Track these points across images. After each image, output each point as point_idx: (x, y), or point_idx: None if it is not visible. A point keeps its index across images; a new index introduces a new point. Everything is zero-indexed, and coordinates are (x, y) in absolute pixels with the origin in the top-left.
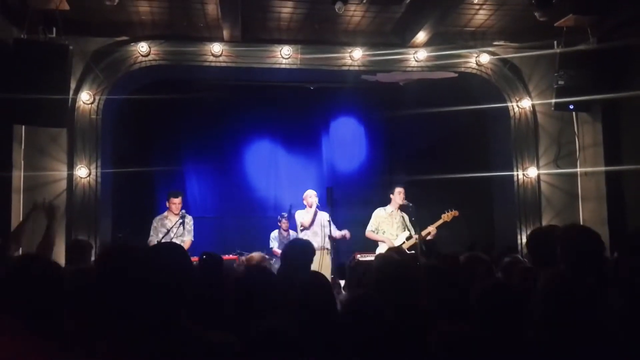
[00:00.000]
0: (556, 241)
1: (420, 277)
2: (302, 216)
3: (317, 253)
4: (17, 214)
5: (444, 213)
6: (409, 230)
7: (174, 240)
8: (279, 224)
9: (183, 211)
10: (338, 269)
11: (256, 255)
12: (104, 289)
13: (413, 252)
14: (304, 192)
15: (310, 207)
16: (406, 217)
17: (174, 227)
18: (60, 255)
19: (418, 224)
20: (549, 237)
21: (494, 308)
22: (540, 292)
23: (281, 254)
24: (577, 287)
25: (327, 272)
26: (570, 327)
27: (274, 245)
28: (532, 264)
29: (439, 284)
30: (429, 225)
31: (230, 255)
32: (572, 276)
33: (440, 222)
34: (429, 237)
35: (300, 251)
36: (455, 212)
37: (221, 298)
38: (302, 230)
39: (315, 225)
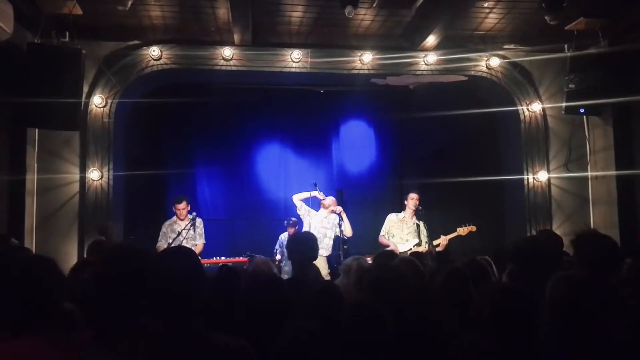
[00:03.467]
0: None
1: (420, 283)
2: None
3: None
4: (31, 216)
5: (460, 227)
6: (419, 239)
7: (185, 243)
8: (287, 228)
9: (194, 214)
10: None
11: (260, 261)
12: (111, 293)
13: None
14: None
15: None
16: (422, 226)
17: (184, 230)
18: (72, 256)
19: (428, 228)
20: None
21: (502, 314)
22: (551, 297)
23: (287, 252)
24: (589, 292)
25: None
26: (581, 333)
27: (277, 249)
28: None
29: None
30: (440, 234)
31: (240, 258)
32: (583, 281)
33: (454, 234)
34: (438, 249)
35: (305, 246)
36: (472, 227)
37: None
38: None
39: (313, 229)
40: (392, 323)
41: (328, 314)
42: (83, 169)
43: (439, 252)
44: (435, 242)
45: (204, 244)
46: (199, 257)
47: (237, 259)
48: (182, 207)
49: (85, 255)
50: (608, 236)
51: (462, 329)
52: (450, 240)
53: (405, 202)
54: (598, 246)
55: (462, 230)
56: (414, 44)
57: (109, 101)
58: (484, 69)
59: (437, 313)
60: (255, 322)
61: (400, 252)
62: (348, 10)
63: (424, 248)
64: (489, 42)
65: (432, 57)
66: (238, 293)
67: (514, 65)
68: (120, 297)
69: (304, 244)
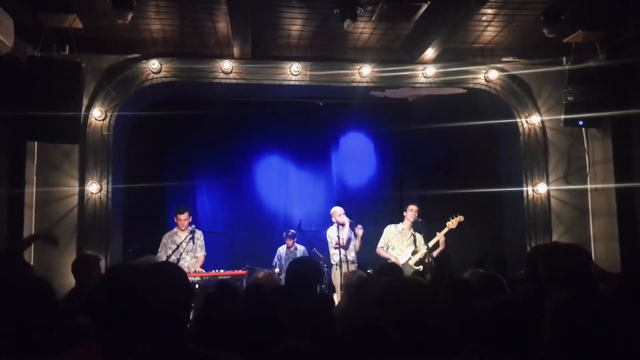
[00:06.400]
0: (539, 260)
1: (428, 294)
2: (334, 233)
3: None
4: (30, 229)
5: (449, 220)
6: (417, 250)
7: (185, 255)
8: (285, 241)
9: (193, 226)
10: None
11: (262, 275)
12: (106, 308)
13: (420, 267)
14: (312, 207)
15: (343, 225)
16: (419, 238)
17: (184, 242)
18: (70, 269)
19: (427, 240)
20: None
21: (502, 326)
22: (550, 313)
23: (287, 271)
24: (587, 308)
25: None
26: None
27: (276, 262)
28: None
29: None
30: (436, 232)
31: (239, 271)
32: (581, 297)
33: (445, 230)
34: (440, 248)
35: (309, 271)
36: (460, 218)
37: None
38: (336, 248)
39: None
40: (398, 336)
41: (319, 325)
42: (82, 182)
43: (440, 260)
44: (433, 241)
45: (205, 255)
46: (201, 270)
47: (236, 271)
48: (184, 217)
49: (74, 272)
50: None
51: (464, 340)
52: (446, 238)
53: (405, 214)
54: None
55: (451, 224)
56: (413, 56)
57: (109, 114)
58: (483, 81)
59: (441, 324)
60: (250, 336)
61: (401, 264)
62: (347, 23)
63: (421, 255)
64: (487, 54)
65: (430, 70)
66: (235, 309)
67: (513, 77)
68: (114, 316)
69: (306, 269)
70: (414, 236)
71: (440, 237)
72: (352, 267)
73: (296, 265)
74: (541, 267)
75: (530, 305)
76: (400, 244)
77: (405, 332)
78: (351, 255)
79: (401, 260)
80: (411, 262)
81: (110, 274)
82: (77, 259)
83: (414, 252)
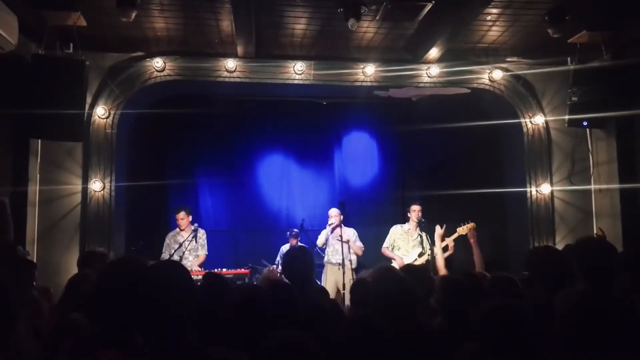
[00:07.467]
0: (571, 256)
1: (423, 294)
2: (321, 235)
3: (334, 269)
4: (32, 227)
5: (460, 226)
6: (424, 252)
7: (187, 254)
8: (289, 239)
9: (196, 225)
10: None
11: (266, 272)
12: (106, 302)
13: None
14: (315, 206)
15: (330, 225)
16: (424, 238)
17: (186, 241)
18: (73, 267)
19: (430, 240)
20: (551, 257)
21: (499, 329)
22: (562, 312)
23: (282, 267)
24: (601, 305)
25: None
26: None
27: (278, 261)
28: (533, 283)
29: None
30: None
31: (242, 269)
32: (594, 295)
33: (455, 235)
34: (448, 252)
35: (301, 260)
36: (472, 224)
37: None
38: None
39: (333, 243)
40: (394, 335)
41: (320, 326)
42: (85, 180)
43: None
44: (442, 245)
45: (206, 254)
46: (199, 268)
47: (238, 270)
48: (181, 217)
49: (79, 266)
50: (607, 243)
51: (463, 339)
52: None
53: (409, 214)
54: (598, 255)
55: (462, 230)
56: (417, 56)
57: (112, 112)
58: (487, 81)
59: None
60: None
61: (407, 264)
62: (351, 22)
63: (427, 256)
64: (491, 54)
65: (434, 70)
66: (225, 300)
67: (517, 77)
68: (116, 311)
69: (299, 261)
70: (421, 237)
71: (449, 241)
72: (343, 270)
73: (291, 260)
74: (575, 264)
75: (534, 306)
76: (406, 245)
77: (402, 332)
78: (335, 258)
79: (406, 261)
80: (417, 264)
81: (110, 269)
82: (88, 254)
83: (421, 254)
